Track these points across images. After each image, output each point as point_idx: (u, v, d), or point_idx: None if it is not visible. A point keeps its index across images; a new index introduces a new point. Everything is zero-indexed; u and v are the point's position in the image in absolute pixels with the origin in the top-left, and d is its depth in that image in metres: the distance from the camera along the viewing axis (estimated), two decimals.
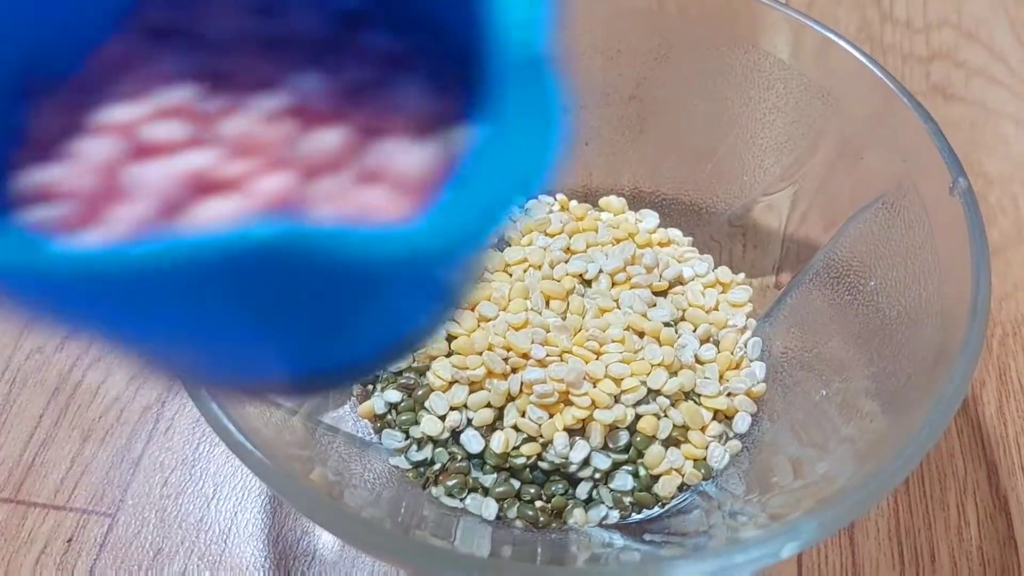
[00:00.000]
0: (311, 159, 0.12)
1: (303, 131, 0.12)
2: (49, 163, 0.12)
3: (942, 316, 0.24)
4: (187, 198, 0.12)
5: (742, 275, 0.34)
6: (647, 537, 0.26)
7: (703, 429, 0.29)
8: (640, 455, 0.28)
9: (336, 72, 0.13)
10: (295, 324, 0.13)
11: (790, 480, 0.25)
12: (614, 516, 0.28)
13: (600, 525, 0.28)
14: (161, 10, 0.13)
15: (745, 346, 0.31)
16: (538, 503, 0.28)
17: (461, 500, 0.28)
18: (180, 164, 0.12)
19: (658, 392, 0.29)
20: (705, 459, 0.29)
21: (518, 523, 0.28)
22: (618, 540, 0.27)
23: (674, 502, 0.28)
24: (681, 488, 0.28)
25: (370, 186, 0.12)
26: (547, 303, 0.31)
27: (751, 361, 0.31)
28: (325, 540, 0.29)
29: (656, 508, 0.28)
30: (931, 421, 0.20)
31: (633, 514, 0.28)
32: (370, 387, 0.31)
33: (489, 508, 0.28)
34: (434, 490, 0.28)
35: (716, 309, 0.32)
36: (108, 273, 0.10)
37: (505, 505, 0.28)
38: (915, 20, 0.47)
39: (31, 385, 0.33)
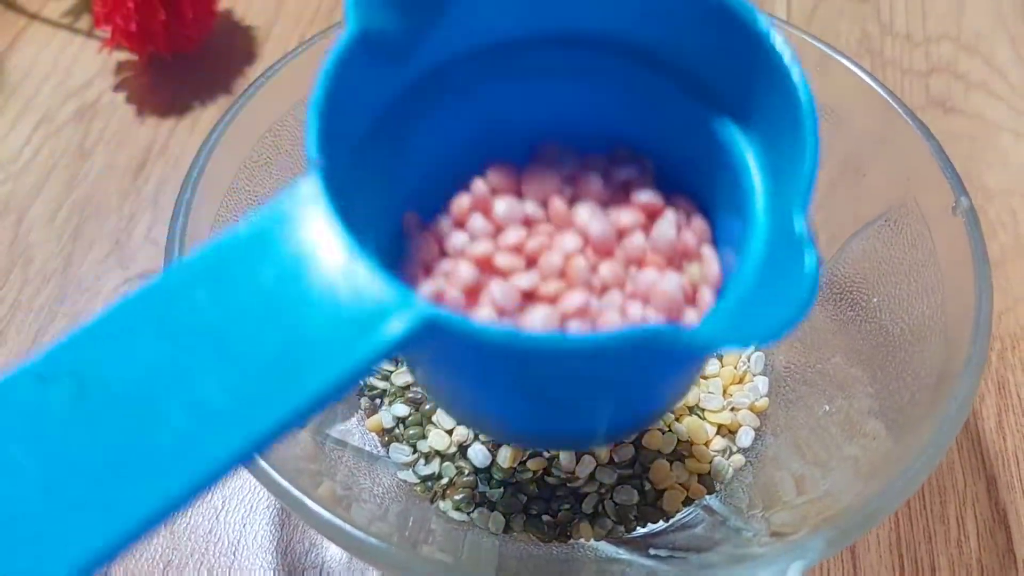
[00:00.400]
0: (598, 282, 0.18)
1: (592, 262, 0.18)
2: (429, 278, 0.18)
3: (945, 334, 0.24)
4: (516, 306, 0.18)
5: None
6: (652, 552, 0.26)
7: (707, 443, 0.30)
8: (645, 469, 0.29)
9: (612, 216, 0.19)
10: (626, 398, 0.20)
11: (793, 496, 0.25)
12: (619, 530, 0.28)
13: (606, 539, 0.28)
14: (499, 181, 0.19)
15: (748, 360, 0.32)
16: (544, 517, 0.28)
17: (468, 514, 0.28)
18: (516, 283, 0.18)
19: None
20: (709, 473, 0.29)
21: (525, 537, 0.28)
22: (624, 554, 0.27)
23: (679, 516, 0.28)
24: (686, 502, 0.29)
25: (641, 302, 0.18)
26: None
27: (754, 375, 0.31)
28: (333, 552, 0.29)
29: (661, 522, 0.28)
30: (934, 442, 0.20)
31: (638, 528, 0.28)
32: (378, 401, 0.31)
33: (496, 522, 0.28)
34: (442, 504, 0.29)
35: None
36: (534, 348, 0.15)
37: (512, 519, 0.28)
38: (915, 33, 0.47)
39: None
